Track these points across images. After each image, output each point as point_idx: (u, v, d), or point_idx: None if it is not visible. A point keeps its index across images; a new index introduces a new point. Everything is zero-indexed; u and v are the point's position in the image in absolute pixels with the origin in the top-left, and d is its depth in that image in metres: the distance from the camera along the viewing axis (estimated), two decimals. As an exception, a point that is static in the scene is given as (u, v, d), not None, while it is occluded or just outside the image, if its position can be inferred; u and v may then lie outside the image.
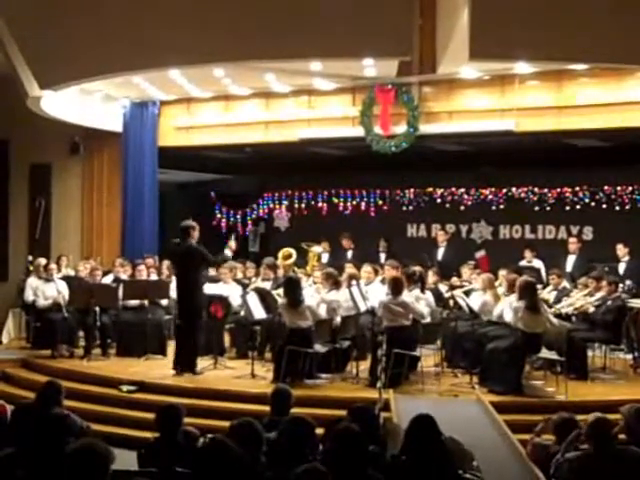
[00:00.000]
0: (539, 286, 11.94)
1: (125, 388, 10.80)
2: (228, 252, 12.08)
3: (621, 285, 12.05)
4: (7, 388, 11.66)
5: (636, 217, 15.26)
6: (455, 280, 13.39)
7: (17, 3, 12.05)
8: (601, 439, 5.96)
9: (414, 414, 5.86)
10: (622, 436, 6.54)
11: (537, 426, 7.42)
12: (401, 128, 13.87)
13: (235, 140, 15.62)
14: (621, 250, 13.65)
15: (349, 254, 15.90)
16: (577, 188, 16.15)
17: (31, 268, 14.40)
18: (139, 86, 14.40)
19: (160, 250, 15.59)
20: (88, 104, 15.21)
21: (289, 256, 14.08)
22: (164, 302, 13.27)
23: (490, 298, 11.50)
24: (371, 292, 11.89)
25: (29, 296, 13.49)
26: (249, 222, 19.91)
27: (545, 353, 10.52)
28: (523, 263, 14.24)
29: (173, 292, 12.74)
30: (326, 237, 15.82)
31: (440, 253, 15.52)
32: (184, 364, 11.35)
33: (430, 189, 17.62)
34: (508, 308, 10.75)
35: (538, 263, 14.30)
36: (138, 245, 15.81)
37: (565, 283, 12.76)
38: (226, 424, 5.82)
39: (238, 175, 19.99)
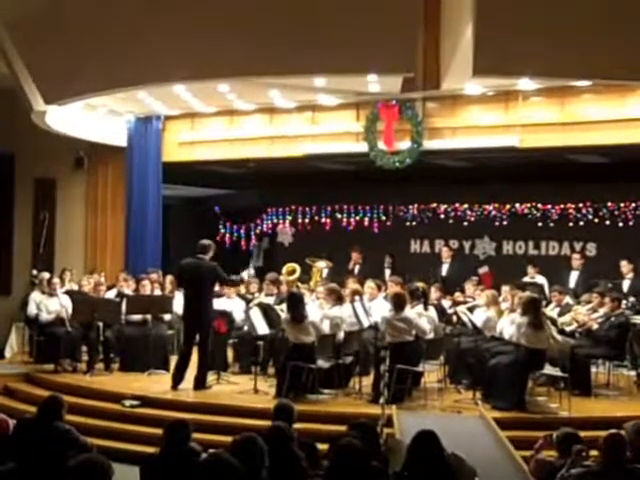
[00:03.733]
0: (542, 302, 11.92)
1: (128, 403, 10.78)
2: (245, 275, 12.17)
3: (624, 301, 12.02)
4: (10, 402, 11.63)
5: (639, 233, 15.23)
6: (458, 296, 13.39)
7: (23, 18, 12.10)
8: (612, 456, 5.92)
9: (417, 430, 5.85)
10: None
11: (537, 442, 7.40)
12: (405, 144, 13.91)
13: (239, 155, 15.67)
14: (625, 267, 13.57)
15: (356, 269, 15.85)
16: (580, 204, 16.13)
17: (36, 282, 14.40)
18: (143, 101, 14.46)
19: (164, 266, 15.60)
20: (92, 119, 15.28)
21: (293, 271, 14.10)
22: (167, 317, 13.26)
23: (493, 314, 11.51)
24: (374, 308, 11.88)
25: (32, 310, 13.48)
26: (253, 237, 19.92)
27: (548, 369, 10.51)
28: (526, 279, 14.22)
29: (176, 307, 12.78)
30: (329, 253, 15.79)
31: (444, 269, 15.50)
32: (181, 379, 11.37)
33: (434, 205, 17.61)
34: (508, 324, 10.77)
35: (541, 279, 14.29)
36: (142, 260, 15.83)
37: (568, 299, 12.73)
38: (229, 439, 5.80)
39: (242, 190, 20.02)
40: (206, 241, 11.66)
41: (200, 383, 11.30)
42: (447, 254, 15.82)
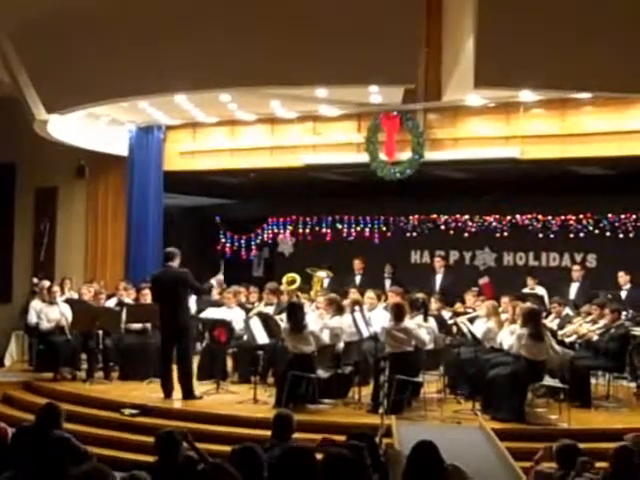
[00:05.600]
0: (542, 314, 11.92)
1: (127, 412, 10.77)
2: (214, 281, 12.24)
3: (624, 313, 12.03)
4: (9, 410, 11.65)
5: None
6: (459, 307, 13.39)
7: (25, 27, 12.14)
8: (622, 468, 5.89)
9: (416, 441, 5.84)
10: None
11: (537, 454, 7.39)
12: (406, 155, 13.91)
13: (240, 165, 15.67)
14: (622, 278, 13.63)
15: (357, 278, 15.86)
16: (581, 216, 16.15)
17: (36, 290, 14.41)
18: (145, 111, 14.47)
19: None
20: (94, 128, 15.28)
21: (293, 281, 14.10)
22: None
23: (494, 325, 11.51)
24: (374, 318, 11.87)
25: (32, 319, 13.49)
26: (253, 247, 19.94)
27: (548, 381, 10.51)
28: (526, 290, 14.22)
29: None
30: (330, 263, 15.79)
31: (438, 280, 15.47)
32: (172, 388, 11.37)
33: (434, 216, 17.62)
34: (508, 335, 10.78)
35: (541, 290, 14.29)
36: (142, 269, 15.79)
37: (568, 310, 12.74)
38: (228, 449, 5.81)
39: (243, 200, 20.05)
40: (171, 248, 11.70)
41: (188, 394, 11.30)
42: (440, 264, 15.75)
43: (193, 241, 19.56)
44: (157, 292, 11.77)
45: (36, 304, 13.61)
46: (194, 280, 11.55)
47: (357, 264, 16.10)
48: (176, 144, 16.25)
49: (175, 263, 11.51)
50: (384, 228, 18.21)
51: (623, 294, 13.50)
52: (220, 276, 12.40)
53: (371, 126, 14.13)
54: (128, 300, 13.82)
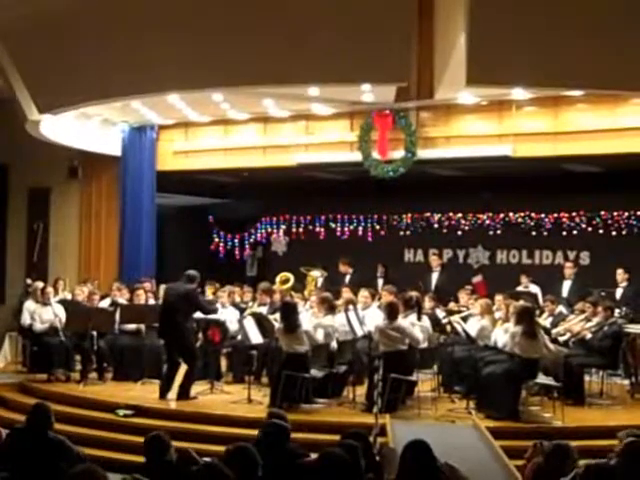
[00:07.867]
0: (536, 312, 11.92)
1: (121, 412, 10.76)
2: (219, 306, 12.41)
3: (617, 310, 12.04)
4: (3, 412, 11.62)
5: (633, 242, 15.27)
6: (452, 305, 13.39)
7: (18, 28, 12.11)
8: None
9: (410, 439, 5.83)
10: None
11: (527, 452, 7.36)
12: (399, 153, 13.91)
13: (233, 164, 15.68)
14: (621, 275, 13.55)
15: (347, 278, 15.83)
16: (574, 213, 16.16)
17: (30, 291, 14.36)
18: (138, 111, 14.47)
19: (158, 276, 15.62)
20: (87, 128, 15.26)
21: (286, 281, 14.08)
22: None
23: (487, 323, 11.52)
24: (368, 317, 11.87)
25: (26, 320, 13.43)
26: (247, 246, 19.93)
27: (542, 378, 10.51)
28: (520, 288, 14.22)
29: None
30: (323, 262, 15.78)
31: (434, 278, 15.45)
32: (169, 389, 11.39)
33: (427, 214, 17.63)
34: (502, 334, 10.80)
35: (535, 288, 14.29)
36: (136, 269, 15.81)
37: (561, 308, 12.75)
38: (222, 449, 5.80)
39: (236, 199, 20.03)
40: (192, 272, 11.67)
41: (183, 394, 11.29)
42: (436, 262, 15.74)
43: (186, 241, 19.56)
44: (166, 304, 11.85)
45: (29, 305, 13.55)
46: (205, 304, 11.81)
47: (342, 267, 15.96)
48: (169, 144, 16.25)
49: (193, 284, 11.63)
50: (377, 227, 18.21)
51: (619, 291, 13.47)
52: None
53: (364, 125, 14.12)
54: (122, 300, 13.77)
